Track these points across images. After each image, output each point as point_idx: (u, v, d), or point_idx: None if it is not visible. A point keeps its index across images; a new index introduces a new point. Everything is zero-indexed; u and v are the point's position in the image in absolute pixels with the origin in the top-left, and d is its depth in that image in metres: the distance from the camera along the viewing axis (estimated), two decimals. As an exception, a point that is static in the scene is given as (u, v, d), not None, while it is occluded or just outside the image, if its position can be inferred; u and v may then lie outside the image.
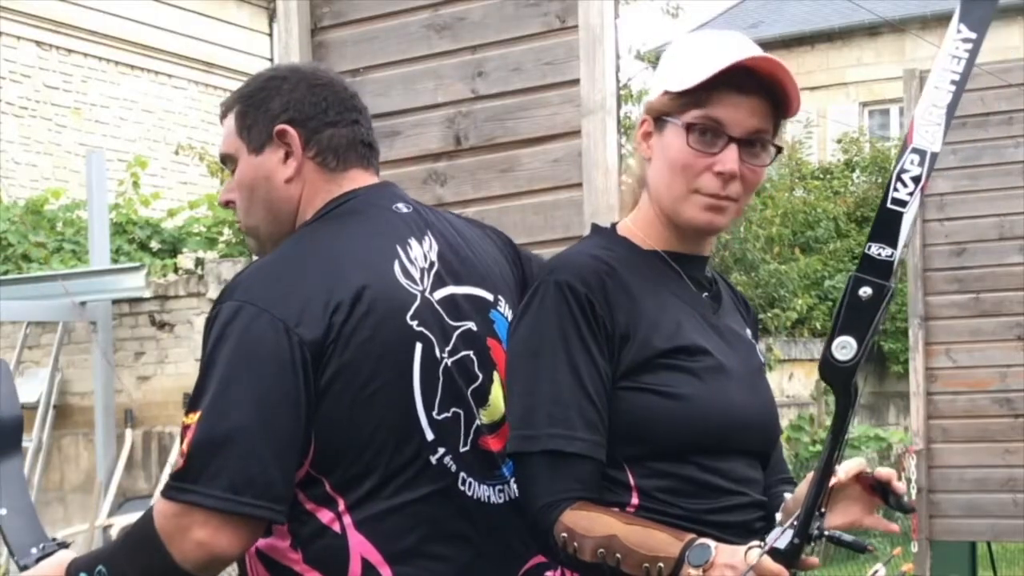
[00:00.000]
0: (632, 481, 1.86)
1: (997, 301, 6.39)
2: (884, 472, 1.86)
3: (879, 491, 1.88)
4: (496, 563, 1.97)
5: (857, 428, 11.39)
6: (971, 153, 6.43)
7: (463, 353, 1.98)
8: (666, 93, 1.90)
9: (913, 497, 6.52)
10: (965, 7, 1.64)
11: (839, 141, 15.59)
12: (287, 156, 2.03)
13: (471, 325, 2.01)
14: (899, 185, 1.61)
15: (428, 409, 1.93)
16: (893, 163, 1.62)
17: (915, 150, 1.62)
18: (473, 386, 1.99)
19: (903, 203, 1.61)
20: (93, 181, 8.23)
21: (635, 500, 1.86)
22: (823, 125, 18.24)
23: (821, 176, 14.46)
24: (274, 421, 1.84)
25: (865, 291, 1.64)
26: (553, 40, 3.26)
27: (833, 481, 1.74)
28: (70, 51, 13.68)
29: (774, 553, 1.68)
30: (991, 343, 6.39)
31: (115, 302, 8.46)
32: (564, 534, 1.80)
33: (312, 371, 1.86)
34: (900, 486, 1.86)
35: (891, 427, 12.42)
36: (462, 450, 1.96)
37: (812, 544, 1.71)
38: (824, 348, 1.64)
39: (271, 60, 15.53)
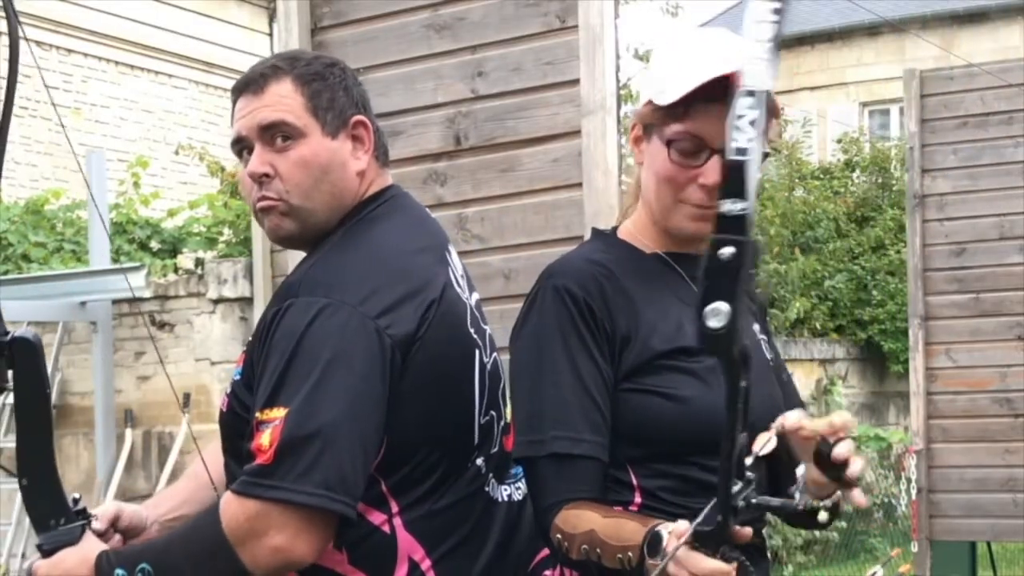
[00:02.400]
0: (635, 481, 1.87)
1: (997, 301, 6.39)
2: (842, 451, 1.68)
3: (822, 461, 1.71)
4: (511, 560, 1.99)
5: (857, 428, 11.38)
6: (971, 153, 6.43)
7: (493, 356, 2.02)
8: (649, 103, 1.91)
9: (913, 497, 6.52)
10: None
11: (839, 141, 15.55)
12: (357, 148, 2.00)
13: (489, 329, 2.05)
14: (736, 134, 1.49)
15: (479, 414, 1.97)
16: (729, 112, 1.50)
17: (747, 92, 1.50)
18: (500, 388, 2.02)
19: (744, 151, 1.49)
20: (93, 181, 8.23)
21: (638, 499, 1.87)
22: (823, 125, 18.24)
23: (821, 176, 14.43)
24: (364, 421, 1.82)
25: (726, 251, 1.50)
26: (553, 40, 3.27)
27: (773, 434, 1.65)
28: (70, 51, 13.68)
29: (702, 536, 1.61)
30: (991, 343, 6.39)
31: (115, 302, 8.46)
32: (558, 535, 1.82)
33: (398, 371, 1.84)
34: (853, 471, 1.68)
35: (891, 427, 12.41)
36: (492, 452, 2.00)
37: (740, 515, 1.60)
38: (696, 319, 1.52)
39: (271, 60, 15.51)
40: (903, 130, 8.20)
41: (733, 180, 1.50)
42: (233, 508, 1.80)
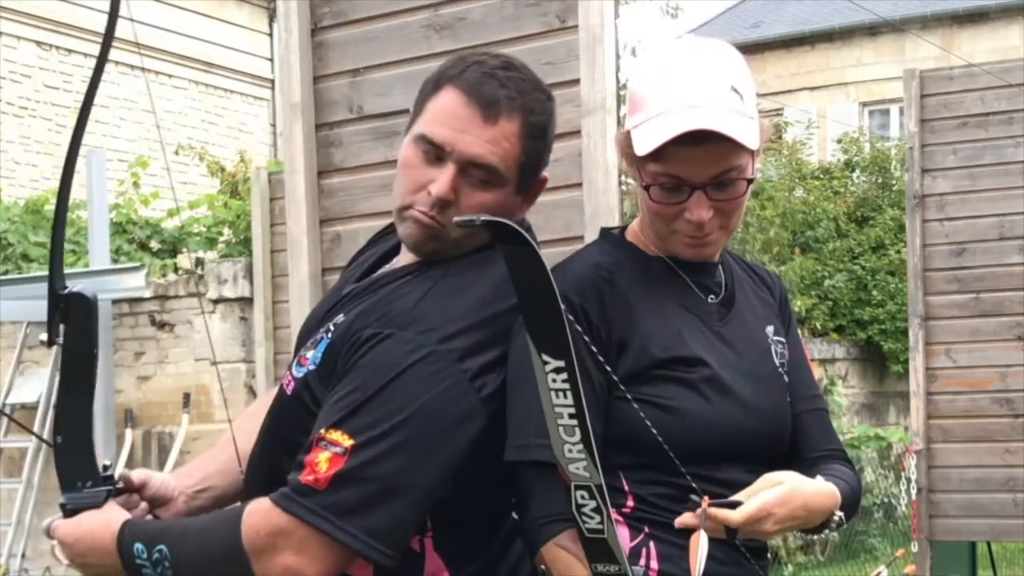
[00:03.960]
0: (627, 487, 1.87)
1: (997, 301, 6.39)
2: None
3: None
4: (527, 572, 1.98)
5: (857, 428, 11.39)
6: (971, 153, 6.43)
7: None
8: (630, 133, 1.90)
9: (913, 497, 6.52)
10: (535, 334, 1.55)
11: (839, 141, 15.56)
12: (525, 200, 1.97)
13: None
14: (585, 518, 1.61)
15: None
16: (572, 503, 1.60)
17: (578, 487, 1.60)
18: None
19: (600, 531, 1.60)
20: (93, 181, 8.23)
21: (630, 503, 1.86)
22: (823, 125, 18.23)
23: (821, 176, 14.43)
24: (432, 479, 1.78)
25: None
26: (553, 40, 3.26)
27: None
28: (70, 51, 13.68)
29: None
30: (991, 343, 6.39)
31: (115, 302, 8.46)
32: (543, 566, 1.82)
33: (485, 429, 1.81)
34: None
35: (891, 427, 12.41)
36: None
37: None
38: None
39: (271, 60, 15.54)
40: (903, 130, 8.20)
41: (599, 551, 1.61)
42: (258, 518, 1.77)
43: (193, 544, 1.83)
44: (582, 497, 1.60)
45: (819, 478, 1.89)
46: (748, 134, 1.85)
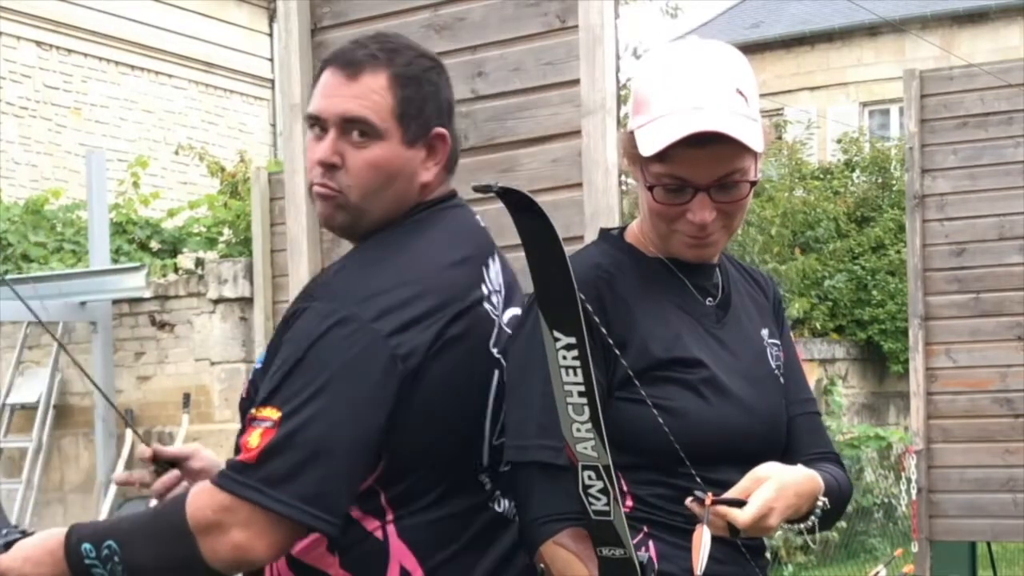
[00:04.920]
0: (626, 487, 1.86)
1: (997, 301, 6.39)
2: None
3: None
4: (515, 573, 1.97)
5: (857, 428, 11.39)
6: (971, 153, 6.43)
7: None
8: (632, 135, 1.90)
9: (913, 497, 6.52)
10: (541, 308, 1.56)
11: (839, 141, 15.56)
12: (429, 159, 1.96)
13: None
14: (592, 500, 1.62)
15: (491, 436, 1.95)
16: (577, 485, 1.61)
17: (585, 468, 1.61)
18: None
19: (606, 512, 1.61)
20: (93, 181, 8.23)
21: (629, 503, 1.86)
22: (823, 125, 18.23)
23: (821, 176, 14.43)
24: (358, 439, 1.80)
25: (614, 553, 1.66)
26: (553, 40, 3.26)
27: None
28: (70, 51, 13.68)
29: None
30: (991, 343, 6.39)
31: (115, 302, 8.46)
32: (542, 564, 1.82)
33: (406, 391, 1.82)
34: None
35: (891, 427, 12.40)
36: (502, 470, 1.97)
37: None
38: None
39: (271, 60, 15.54)
40: (903, 130, 8.20)
41: (606, 534, 1.61)
42: (203, 499, 1.80)
43: (141, 533, 1.85)
44: (589, 478, 1.59)
45: (799, 465, 1.90)
46: (753, 136, 1.85)
